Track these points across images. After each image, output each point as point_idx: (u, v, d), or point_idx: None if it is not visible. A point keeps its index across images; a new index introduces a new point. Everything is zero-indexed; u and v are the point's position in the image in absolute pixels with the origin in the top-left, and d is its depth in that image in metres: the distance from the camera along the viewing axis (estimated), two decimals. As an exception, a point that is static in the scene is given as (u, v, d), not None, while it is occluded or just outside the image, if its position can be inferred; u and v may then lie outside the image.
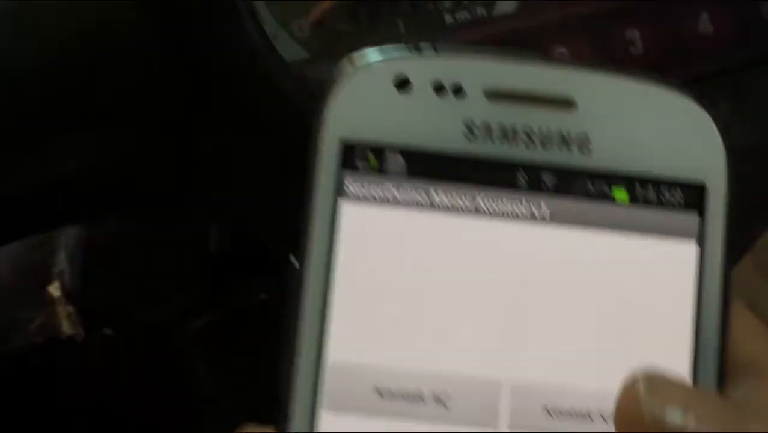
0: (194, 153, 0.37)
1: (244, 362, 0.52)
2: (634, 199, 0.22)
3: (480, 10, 0.37)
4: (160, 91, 0.34)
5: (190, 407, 0.51)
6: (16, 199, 0.36)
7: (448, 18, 0.37)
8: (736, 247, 0.22)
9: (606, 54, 0.38)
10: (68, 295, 0.49)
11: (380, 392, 0.21)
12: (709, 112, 0.22)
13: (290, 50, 0.36)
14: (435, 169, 0.21)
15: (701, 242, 0.22)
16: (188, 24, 0.34)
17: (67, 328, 0.48)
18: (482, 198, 0.21)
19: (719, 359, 0.21)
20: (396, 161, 0.21)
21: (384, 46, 0.22)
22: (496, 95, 0.21)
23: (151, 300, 0.49)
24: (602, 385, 0.21)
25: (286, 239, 0.43)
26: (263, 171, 0.37)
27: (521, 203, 0.22)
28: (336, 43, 0.36)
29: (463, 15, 0.37)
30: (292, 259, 0.22)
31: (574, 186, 0.22)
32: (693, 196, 0.22)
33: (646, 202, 0.22)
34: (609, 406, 0.20)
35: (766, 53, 0.38)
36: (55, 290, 0.50)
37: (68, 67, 0.33)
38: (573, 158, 0.21)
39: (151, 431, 0.50)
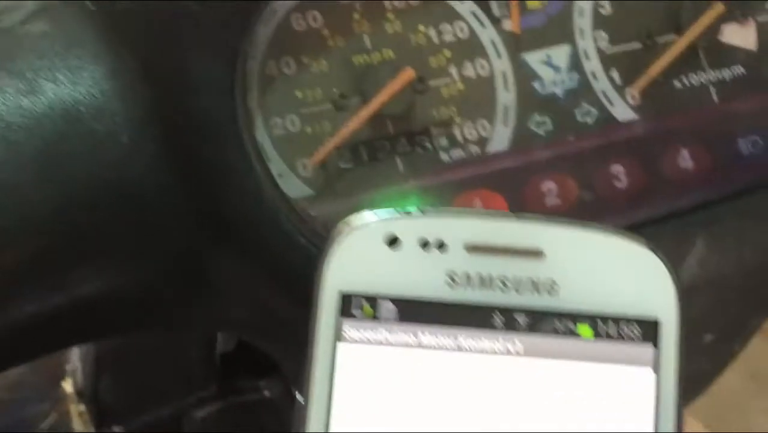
0: (204, 281, 0.38)
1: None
2: (597, 334, 0.25)
3: (474, 149, 0.39)
4: (174, 229, 0.36)
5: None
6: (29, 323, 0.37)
7: (444, 156, 0.39)
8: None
9: (592, 188, 0.40)
10: (80, 393, 0.51)
11: None
12: (661, 258, 0.25)
13: (295, 188, 0.38)
14: (422, 314, 0.24)
15: (656, 369, 0.25)
16: (202, 167, 0.36)
17: (78, 426, 0.50)
18: (463, 337, 0.24)
19: None
20: (387, 308, 0.25)
21: (376, 210, 0.25)
22: (474, 249, 0.25)
23: (159, 399, 0.50)
24: None
25: (289, 351, 0.45)
26: (266, 302, 0.38)
27: (498, 341, 0.25)
28: (338, 181, 0.38)
29: (457, 153, 0.39)
30: (298, 395, 0.25)
31: (544, 324, 0.25)
32: (648, 330, 0.25)
33: (608, 336, 0.25)
34: None
35: (743, 188, 0.40)
36: (68, 386, 0.51)
37: (89, 215, 0.35)
38: (542, 301, 0.25)
39: None
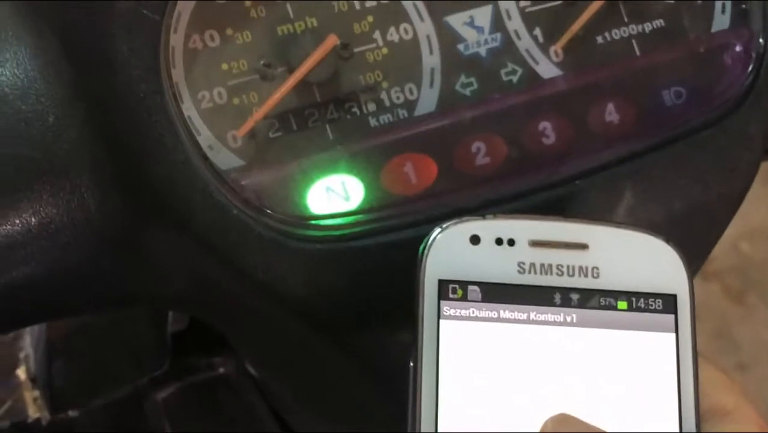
0: (141, 256, 0.39)
1: (209, 428, 0.54)
2: (630, 307, 0.32)
3: (402, 112, 0.40)
4: (106, 206, 0.37)
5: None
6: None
7: (372, 121, 0.40)
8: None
9: (520, 145, 0.40)
10: (33, 379, 0.52)
11: None
12: (676, 248, 0.33)
13: (225, 159, 0.38)
14: (499, 295, 0.32)
15: (677, 332, 0.32)
16: (130, 144, 0.36)
17: (33, 411, 0.50)
18: (532, 312, 0.32)
19: (696, 408, 0.32)
20: (474, 291, 0.32)
21: (463, 217, 0.33)
22: (536, 244, 0.32)
23: (113, 381, 0.51)
24: (622, 425, 0.31)
25: (233, 324, 0.45)
26: (204, 275, 0.39)
27: (557, 314, 0.32)
28: (268, 150, 0.39)
29: (386, 117, 0.40)
30: (411, 363, 0.31)
31: (591, 301, 0.32)
32: (669, 303, 0.32)
33: (639, 308, 0.32)
34: None
35: (668, 139, 0.41)
36: (22, 373, 0.52)
37: (18, 195, 0.35)
38: (589, 283, 0.32)
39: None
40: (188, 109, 0.38)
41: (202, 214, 0.37)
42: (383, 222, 0.38)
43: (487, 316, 0.32)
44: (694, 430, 0.31)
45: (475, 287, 0.32)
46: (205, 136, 0.38)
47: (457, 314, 0.32)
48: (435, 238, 0.32)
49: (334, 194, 0.39)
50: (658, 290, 0.32)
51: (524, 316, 0.32)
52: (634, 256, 0.32)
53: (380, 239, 0.38)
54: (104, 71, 0.37)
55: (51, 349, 0.51)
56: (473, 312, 0.32)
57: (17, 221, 0.37)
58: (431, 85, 0.40)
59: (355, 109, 0.39)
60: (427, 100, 0.40)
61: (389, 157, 0.39)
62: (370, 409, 0.46)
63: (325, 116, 0.39)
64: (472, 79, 0.40)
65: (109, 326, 0.52)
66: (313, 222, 0.38)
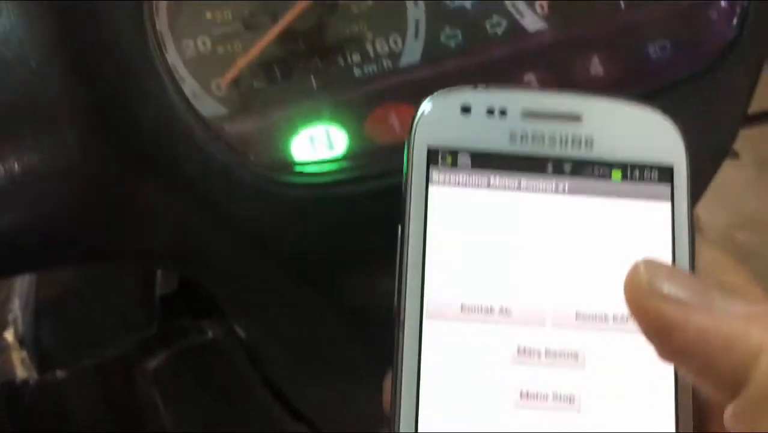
0: (126, 206, 0.39)
1: (199, 397, 0.54)
2: (625, 177, 0.32)
3: (386, 63, 0.40)
4: (91, 154, 0.37)
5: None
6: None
7: (357, 71, 0.40)
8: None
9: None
10: (21, 340, 0.52)
11: (463, 308, 0.31)
12: (672, 121, 0.32)
13: (209, 107, 0.38)
14: (490, 163, 0.32)
15: (672, 202, 0.32)
16: (114, 92, 0.37)
17: (21, 372, 0.50)
18: (523, 179, 0.31)
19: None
20: (464, 159, 0.32)
21: (454, 87, 0.32)
22: (528, 114, 0.32)
23: (100, 342, 0.51)
24: (613, 295, 0.29)
25: (220, 281, 0.45)
26: (192, 222, 0.39)
27: (549, 182, 0.32)
28: (252, 99, 0.39)
29: (370, 68, 0.40)
30: (399, 227, 0.31)
31: (584, 170, 0.32)
32: (664, 174, 0.32)
33: (634, 178, 0.32)
34: (619, 310, 0.30)
35: (653, 92, 0.41)
36: (9, 335, 0.52)
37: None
38: (582, 152, 0.32)
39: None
40: (172, 57, 0.38)
41: (186, 161, 0.37)
42: (367, 169, 0.38)
43: (476, 183, 0.31)
44: None
45: (465, 155, 0.31)
46: (189, 85, 0.38)
47: (446, 180, 0.31)
48: (425, 107, 0.32)
49: (318, 143, 0.39)
50: (654, 161, 0.32)
51: (515, 183, 0.31)
52: (629, 127, 0.32)
53: (364, 187, 0.38)
54: (88, 19, 0.37)
55: (39, 310, 0.51)
56: (462, 179, 0.31)
57: (0, 167, 0.37)
58: (416, 36, 0.40)
59: (340, 60, 0.40)
60: (412, 51, 0.40)
61: (373, 106, 0.39)
62: (358, 368, 0.46)
63: (310, 66, 0.39)
64: (457, 31, 0.41)
65: (98, 288, 0.52)
66: (297, 169, 0.38)
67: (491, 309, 0.31)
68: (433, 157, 0.31)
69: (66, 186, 0.37)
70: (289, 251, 0.38)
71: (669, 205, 0.32)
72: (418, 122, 0.32)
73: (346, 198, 0.38)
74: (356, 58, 0.40)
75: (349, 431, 0.52)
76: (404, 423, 0.29)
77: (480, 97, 0.32)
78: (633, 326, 0.28)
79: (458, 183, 0.31)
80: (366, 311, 0.41)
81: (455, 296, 0.31)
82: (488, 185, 0.31)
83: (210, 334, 0.54)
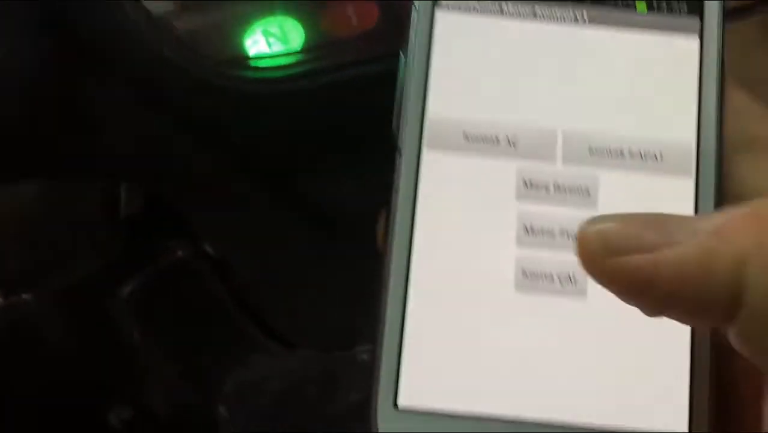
0: (81, 115, 0.38)
1: (173, 321, 0.54)
2: (651, 8, 0.29)
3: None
4: (38, 57, 0.36)
5: (124, 369, 0.52)
6: None
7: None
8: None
9: None
10: (-16, 264, 0.51)
11: (467, 137, 0.28)
12: None
13: (159, 4, 0.37)
14: None
15: (701, 36, 0.29)
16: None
17: (-16, 296, 0.49)
18: (539, 7, 0.29)
19: (718, 133, 0.28)
20: None
21: None
22: None
23: (66, 264, 0.50)
24: (631, 131, 0.28)
25: (184, 195, 0.44)
26: (145, 129, 0.38)
27: (567, 10, 0.29)
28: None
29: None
30: (401, 54, 0.29)
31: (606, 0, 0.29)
32: (694, 6, 0.29)
33: (660, 10, 0.29)
34: (638, 148, 0.28)
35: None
36: (-30, 260, 0.51)
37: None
38: None
39: (86, 395, 0.52)
40: (118, -49, 0.37)
41: (136, 59, 0.36)
42: (323, 62, 0.37)
43: (487, 9, 0.29)
44: (713, 159, 0.28)
45: None
46: (136, -19, 0.37)
47: (454, 5, 0.29)
48: None
49: (273, 37, 0.37)
50: None
51: (529, 11, 0.29)
52: None
53: (319, 80, 0.37)
54: None
55: (1, 232, 0.50)
56: (472, 4, 0.29)
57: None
58: (370, -75, 0.39)
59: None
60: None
61: (329, 1, 0.38)
62: (329, 280, 0.46)
63: (261, -42, 0.38)
64: None
65: (60, 208, 0.51)
66: (252, 63, 0.37)
67: (497, 139, 0.28)
68: None
69: (14, 89, 0.36)
70: (246, 148, 0.37)
71: (698, 41, 0.29)
72: None
73: (302, 92, 0.37)
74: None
75: (322, 346, 0.52)
76: (396, 261, 0.27)
77: None
78: (652, 163, 0.27)
79: (467, 9, 0.29)
80: (332, 214, 0.41)
81: (458, 124, 0.28)
82: (500, 12, 0.29)
83: (179, 254, 0.53)
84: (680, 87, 0.29)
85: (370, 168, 0.33)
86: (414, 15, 0.29)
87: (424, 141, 0.28)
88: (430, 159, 0.28)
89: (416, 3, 0.29)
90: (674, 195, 0.28)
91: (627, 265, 0.23)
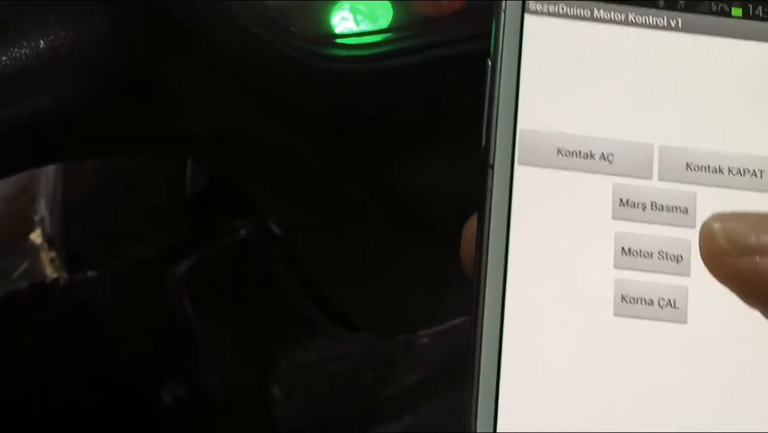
0: (161, 91, 0.37)
1: (230, 300, 0.53)
2: (747, 15, 0.28)
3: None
4: (127, 38, 0.35)
5: (180, 346, 0.52)
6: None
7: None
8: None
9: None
10: (50, 241, 0.50)
11: (561, 152, 0.27)
12: None
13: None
14: None
15: None
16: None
17: (50, 272, 0.49)
18: (632, 13, 0.28)
19: None
20: None
21: None
22: None
23: (131, 241, 0.50)
24: (730, 148, 0.27)
25: (256, 173, 0.44)
26: (231, 102, 0.37)
27: (660, 17, 0.28)
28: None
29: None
30: (488, 62, 0.27)
31: (701, 4, 0.28)
32: None
33: (756, 17, 0.28)
34: (737, 164, 0.27)
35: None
36: (36, 237, 0.50)
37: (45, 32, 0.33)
38: None
39: (141, 371, 0.51)
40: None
41: (223, 37, 0.35)
42: (411, 42, 0.36)
43: (578, 13, 0.28)
44: None
45: None
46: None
47: (545, 9, 0.28)
48: None
49: (360, 15, 0.37)
50: None
51: (621, 16, 0.28)
52: None
53: (408, 60, 0.36)
54: None
55: (67, 210, 0.49)
56: (563, 8, 0.28)
57: (25, 44, 0.35)
58: None
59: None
60: None
61: (419, -23, 0.37)
62: (399, 266, 0.45)
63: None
64: None
65: (126, 186, 0.50)
66: (340, 41, 0.36)
67: (591, 154, 0.27)
68: None
69: (97, 68, 0.36)
70: (331, 128, 0.37)
71: None
72: None
73: (390, 71, 0.36)
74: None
75: (387, 332, 0.51)
76: (490, 285, 0.26)
77: None
78: (752, 180, 0.26)
79: (558, 13, 0.28)
80: (410, 201, 0.40)
81: (551, 138, 0.27)
82: (592, 17, 0.28)
83: (243, 233, 0.53)
84: None
85: (455, 154, 0.32)
86: (501, 19, 0.28)
87: (516, 157, 0.27)
88: (522, 176, 0.27)
89: (503, 4, 0.27)
90: None
91: (757, 266, 0.23)
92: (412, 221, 0.42)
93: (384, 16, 0.37)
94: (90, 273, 0.48)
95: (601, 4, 0.28)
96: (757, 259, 0.22)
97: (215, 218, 0.52)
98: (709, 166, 0.27)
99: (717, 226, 0.23)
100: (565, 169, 0.27)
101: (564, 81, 0.28)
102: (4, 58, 0.35)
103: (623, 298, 0.26)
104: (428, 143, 0.35)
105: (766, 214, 0.23)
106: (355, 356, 0.51)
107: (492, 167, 0.27)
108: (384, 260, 0.46)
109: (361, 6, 0.37)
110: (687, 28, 0.28)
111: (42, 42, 0.35)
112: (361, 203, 0.42)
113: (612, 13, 0.28)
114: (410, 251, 0.45)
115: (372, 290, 0.49)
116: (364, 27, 0.37)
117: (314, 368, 0.52)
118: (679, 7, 0.28)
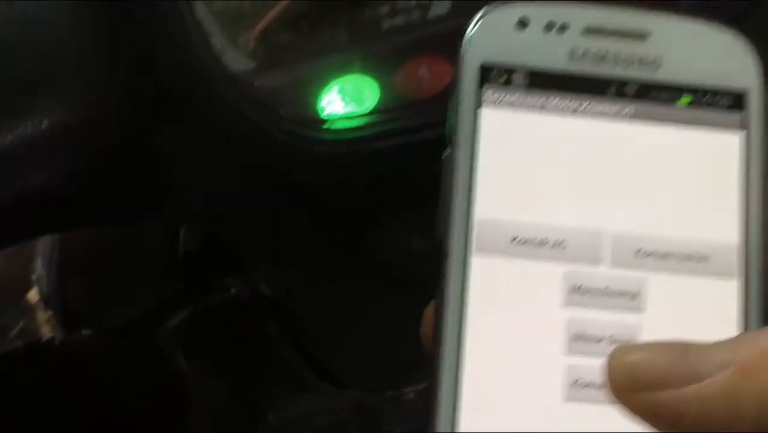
0: (157, 160, 0.38)
1: (222, 353, 0.54)
2: (694, 102, 0.29)
3: (415, 14, 0.39)
4: (120, 111, 0.36)
5: (173, 400, 0.53)
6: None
7: (385, 23, 0.39)
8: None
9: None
10: (46, 300, 0.51)
11: (515, 240, 0.28)
12: (746, 42, 0.29)
13: (238, 62, 0.38)
14: (547, 83, 0.29)
15: (748, 131, 0.29)
16: (141, 37, 0.36)
17: (46, 331, 0.50)
18: (582, 102, 0.29)
19: (765, 226, 0.28)
20: (519, 77, 0.29)
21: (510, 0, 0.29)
22: (591, 31, 0.29)
23: (125, 300, 0.51)
24: (677, 232, 0.28)
25: (248, 238, 0.45)
26: (221, 177, 0.39)
27: (611, 106, 0.29)
28: (280, 52, 0.38)
29: (399, 20, 0.39)
30: (447, 147, 0.28)
31: (649, 93, 0.29)
32: (737, 100, 0.29)
33: (703, 104, 0.29)
34: (684, 249, 0.28)
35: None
36: (34, 295, 0.52)
37: (31, 95, 0.35)
38: (648, 74, 0.29)
39: (136, 425, 0.52)
40: (200, 11, 0.37)
41: (214, 116, 0.37)
42: (397, 124, 0.38)
43: (532, 104, 0.29)
44: (758, 237, 0.28)
45: (521, 73, 0.29)
46: (216, 38, 0.38)
47: (499, 100, 0.28)
48: (478, 21, 0.29)
49: (348, 97, 0.38)
50: (726, 86, 0.29)
51: (574, 105, 0.29)
52: (699, 48, 0.29)
53: (394, 141, 0.38)
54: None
55: (63, 269, 0.50)
56: (517, 99, 0.29)
57: (29, 123, 0.36)
58: (444, -13, 0.40)
59: (368, 12, 0.39)
60: (440, 2, 0.39)
61: (403, 59, 0.39)
62: (385, 326, 0.46)
63: (338, 18, 0.39)
64: (486, -18, 0.40)
65: (122, 245, 0.51)
66: (327, 125, 0.38)
67: (545, 242, 0.28)
68: (485, 74, 0.28)
69: (96, 140, 0.37)
70: (319, 207, 0.38)
71: (741, 135, 0.29)
72: (470, 37, 0.29)
73: (377, 153, 0.37)
74: (384, 9, 0.39)
75: (374, 388, 0.52)
76: (447, 364, 0.27)
77: (538, 11, 0.29)
78: (698, 265, 0.27)
79: (512, 104, 0.29)
80: (397, 269, 0.41)
81: (506, 227, 0.28)
82: (544, 107, 0.29)
83: (233, 291, 0.54)
84: (726, 184, 0.29)
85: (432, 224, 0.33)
86: (456, 110, 0.28)
87: (472, 245, 0.27)
88: (477, 265, 0.27)
89: (459, 95, 0.28)
90: (721, 297, 0.28)
91: (656, 401, 0.23)
92: (396, 284, 0.43)
93: (371, 97, 0.38)
94: (85, 332, 0.49)
95: (554, 93, 0.29)
96: (653, 395, 0.23)
97: (207, 277, 0.53)
98: (657, 252, 0.28)
99: (618, 363, 0.24)
100: (520, 257, 0.28)
101: (519, 170, 0.28)
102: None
103: (575, 382, 0.27)
104: (411, 215, 0.36)
105: (661, 344, 0.24)
106: (343, 410, 0.52)
107: (448, 258, 0.27)
108: (370, 321, 0.47)
109: (348, 87, 0.38)
110: (637, 116, 0.29)
111: (45, 121, 0.36)
112: (348, 268, 0.43)
113: (565, 102, 0.29)
114: (395, 313, 0.46)
115: (359, 348, 0.50)
116: (351, 109, 0.38)
117: (303, 421, 0.53)
118: (629, 95, 0.29)
